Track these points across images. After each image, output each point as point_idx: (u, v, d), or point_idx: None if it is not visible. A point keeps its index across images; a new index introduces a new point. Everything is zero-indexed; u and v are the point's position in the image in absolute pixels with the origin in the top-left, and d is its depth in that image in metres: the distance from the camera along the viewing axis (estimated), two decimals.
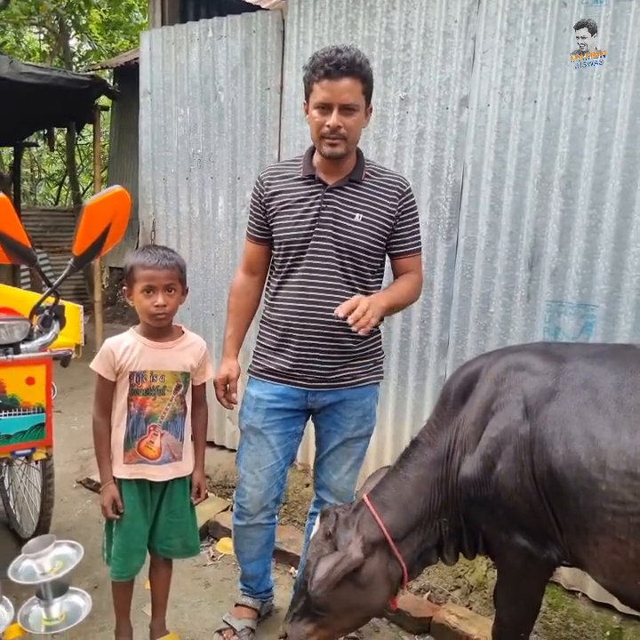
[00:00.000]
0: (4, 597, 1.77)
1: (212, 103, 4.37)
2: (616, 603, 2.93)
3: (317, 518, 2.47)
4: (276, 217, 2.66)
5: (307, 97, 2.54)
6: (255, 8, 5.94)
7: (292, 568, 3.58)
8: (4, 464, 3.32)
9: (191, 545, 2.80)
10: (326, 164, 2.62)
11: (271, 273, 2.80)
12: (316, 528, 2.44)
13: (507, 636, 2.40)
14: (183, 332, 2.67)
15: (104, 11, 12.20)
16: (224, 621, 3.04)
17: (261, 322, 2.81)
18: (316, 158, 2.65)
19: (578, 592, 3.14)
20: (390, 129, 3.60)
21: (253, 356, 2.83)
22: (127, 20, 12.60)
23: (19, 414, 2.81)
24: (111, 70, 10.67)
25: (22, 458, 3.12)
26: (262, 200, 2.71)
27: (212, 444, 4.59)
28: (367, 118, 2.61)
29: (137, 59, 7.60)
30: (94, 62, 12.05)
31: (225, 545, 3.78)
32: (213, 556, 3.76)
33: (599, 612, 3.02)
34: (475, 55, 3.28)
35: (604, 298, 3.01)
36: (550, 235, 3.14)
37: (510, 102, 3.20)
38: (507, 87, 3.20)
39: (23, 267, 8.35)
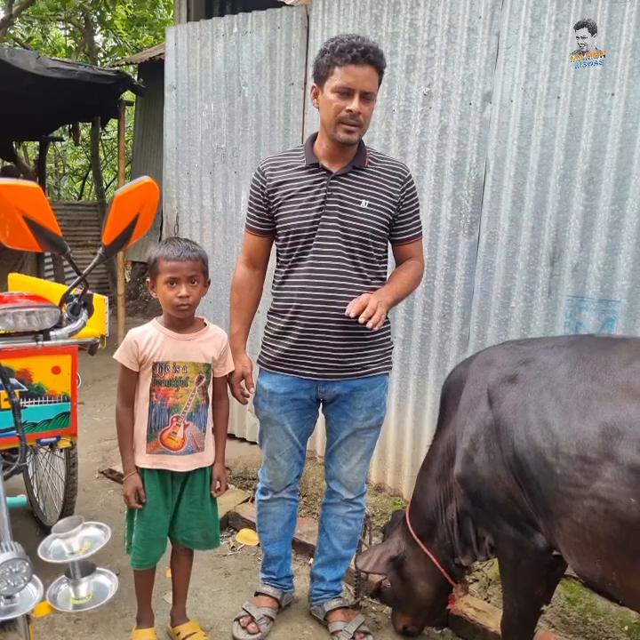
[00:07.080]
0: (33, 576, 1.81)
1: (236, 98, 4.40)
2: None
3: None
4: (282, 207, 2.64)
5: (320, 80, 2.50)
6: (280, 4, 5.95)
7: (311, 559, 3.60)
8: (29, 452, 3.38)
9: (211, 536, 2.83)
10: (331, 152, 2.60)
11: (277, 263, 2.78)
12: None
13: (511, 626, 2.47)
14: (205, 324, 2.69)
15: (129, 7, 12.27)
16: (243, 609, 3.06)
17: (269, 312, 2.81)
18: (320, 146, 2.64)
19: None
20: (413, 124, 3.60)
21: (262, 347, 2.84)
22: (152, 16, 12.66)
23: (44, 403, 2.86)
24: (135, 66, 10.75)
25: (47, 446, 3.17)
26: (265, 191, 2.69)
27: (232, 437, 4.63)
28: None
29: (161, 54, 7.69)
30: (119, 58, 12.11)
31: (245, 536, 3.82)
32: (233, 547, 3.79)
33: (617, 606, 3.00)
34: (498, 51, 3.28)
35: (626, 293, 3.00)
36: (572, 230, 3.14)
37: (533, 98, 3.20)
38: (530, 83, 3.20)
39: (47, 260, 8.45)
